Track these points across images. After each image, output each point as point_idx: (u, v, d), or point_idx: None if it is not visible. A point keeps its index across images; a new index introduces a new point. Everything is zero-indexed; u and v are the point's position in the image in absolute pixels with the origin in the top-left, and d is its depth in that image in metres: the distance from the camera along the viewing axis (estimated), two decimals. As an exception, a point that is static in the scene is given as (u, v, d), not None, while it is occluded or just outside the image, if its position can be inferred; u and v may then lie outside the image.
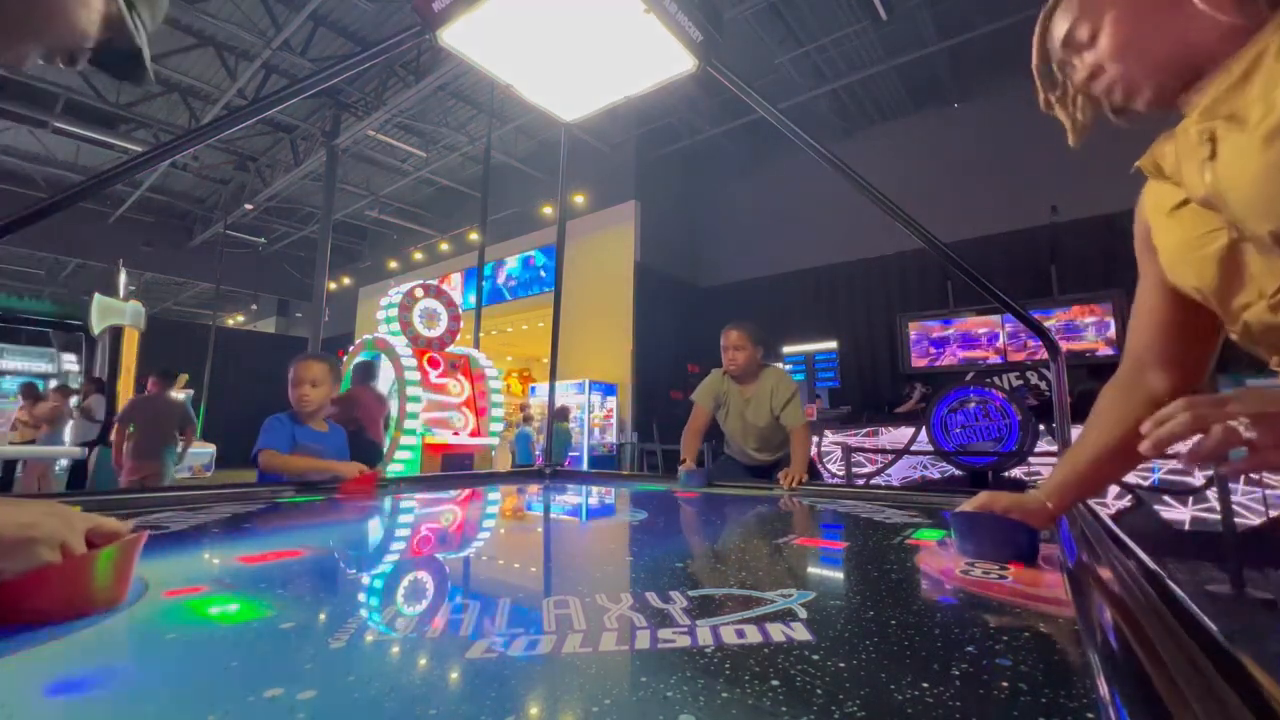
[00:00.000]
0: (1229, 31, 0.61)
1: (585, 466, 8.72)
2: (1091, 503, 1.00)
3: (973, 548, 0.85)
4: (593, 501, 1.73)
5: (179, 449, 4.66)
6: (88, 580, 0.55)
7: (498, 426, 5.37)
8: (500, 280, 11.45)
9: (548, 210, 10.18)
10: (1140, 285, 0.82)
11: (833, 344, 8.37)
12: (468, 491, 1.87)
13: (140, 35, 0.71)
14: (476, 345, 6.93)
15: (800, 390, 2.54)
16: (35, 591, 0.51)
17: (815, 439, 5.39)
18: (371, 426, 4.30)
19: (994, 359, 6.81)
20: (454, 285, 12.04)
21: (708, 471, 2.12)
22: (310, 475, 1.79)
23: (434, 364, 5.06)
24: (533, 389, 11.30)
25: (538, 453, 7.56)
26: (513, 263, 11.36)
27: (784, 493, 1.83)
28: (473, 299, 8.18)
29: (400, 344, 4.87)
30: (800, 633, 0.51)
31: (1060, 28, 0.72)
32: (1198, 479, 4.07)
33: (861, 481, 5.12)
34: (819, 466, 5.29)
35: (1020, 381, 6.46)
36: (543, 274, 10.75)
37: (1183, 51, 0.64)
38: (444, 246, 12.80)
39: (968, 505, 0.87)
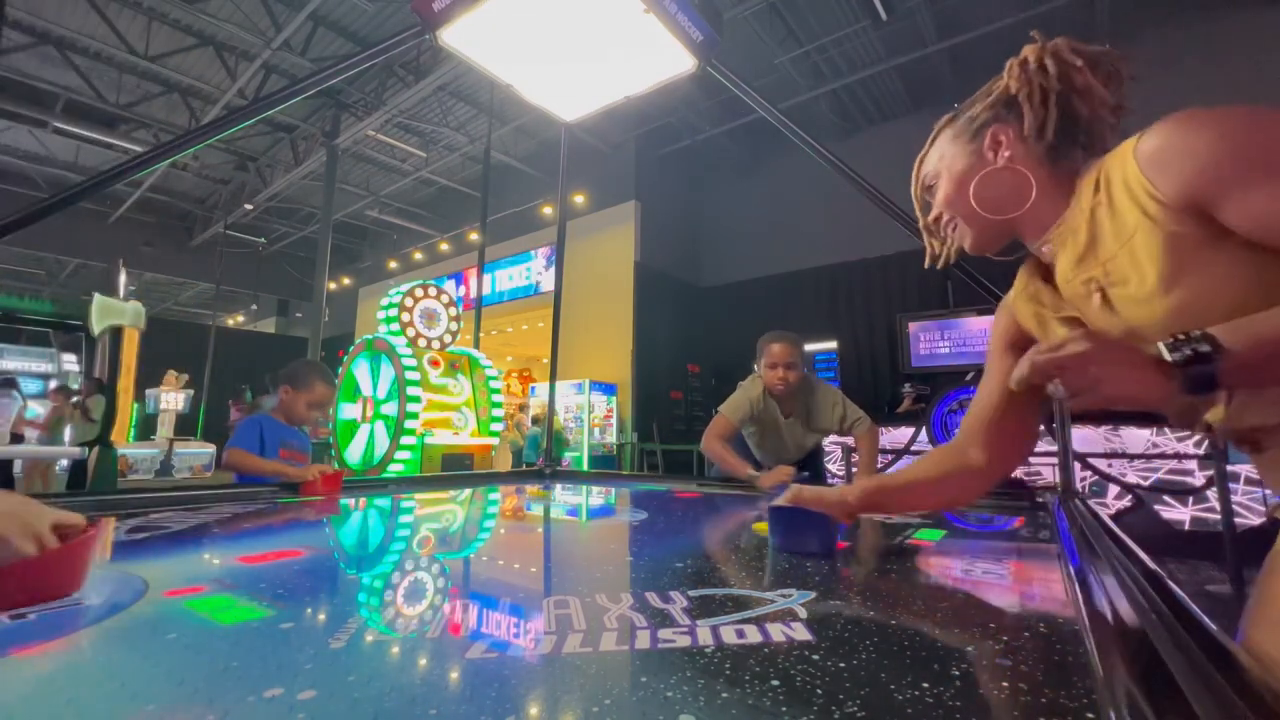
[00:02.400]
0: (1040, 191, 0.74)
1: (586, 467, 8.71)
2: (1092, 503, 1.00)
3: (780, 540, 0.90)
4: (593, 501, 1.73)
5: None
6: (54, 572, 0.58)
7: (498, 426, 5.36)
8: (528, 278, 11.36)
9: (548, 210, 10.18)
10: (990, 375, 0.92)
11: (833, 344, 8.37)
12: (468, 491, 1.87)
13: None
14: (476, 345, 6.93)
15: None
16: (8, 581, 0.54)
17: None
18: None
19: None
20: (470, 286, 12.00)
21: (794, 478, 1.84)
22: (275, 477, 1.77)
23: (434, 364, 5.06)
24: (533, 389, 11.29)
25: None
26: (520, 271, 11.36)
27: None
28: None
29: (400, 344, 4.87)
30: (800, 633, 0.51)
31: (921, 170, 0.87)
32: (1198, 479, 4.07)
33: (861, 481, 5.11)
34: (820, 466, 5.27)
35: (1020, 381, 6.46)
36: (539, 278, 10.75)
37: (992, 214, 0.77)
38: (444, 246, 12.80)
39: (781, 499, 0.92)
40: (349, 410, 5.18)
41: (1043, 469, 4.37)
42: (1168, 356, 0.58)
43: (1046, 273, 0.81)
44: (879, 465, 5.32)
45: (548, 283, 10.57)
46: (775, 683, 0.41)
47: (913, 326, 7.28)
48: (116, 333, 6.31)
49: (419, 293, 5.13)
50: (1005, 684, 0.41)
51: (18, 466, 6.09)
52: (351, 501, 1.56)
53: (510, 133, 10.06)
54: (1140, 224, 0.64)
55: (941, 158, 0.82)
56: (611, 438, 9.19)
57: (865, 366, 8.33)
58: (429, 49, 6.67)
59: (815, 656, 0.46)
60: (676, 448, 8.71)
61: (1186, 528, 4.08)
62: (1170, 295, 0.64)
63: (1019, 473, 4.08)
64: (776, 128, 1.60)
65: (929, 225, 0.87)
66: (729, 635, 0.50)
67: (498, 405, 5.39)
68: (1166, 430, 4.27)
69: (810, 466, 2.40)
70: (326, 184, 9.78)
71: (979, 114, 0.78)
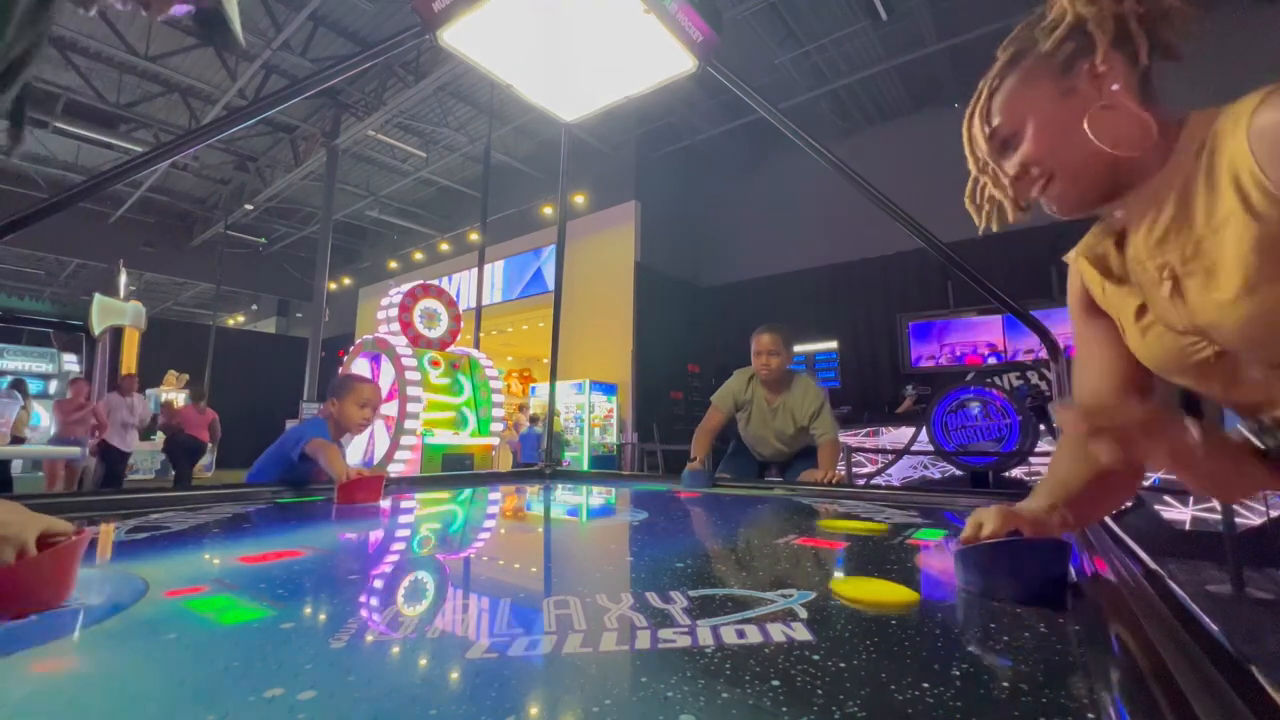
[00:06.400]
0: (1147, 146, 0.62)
1: (586, 466, 8.71)
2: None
3: (1008, 586, 0.62)
4: (593, 501, 1.73)
5: None
6: (38, 581, 0.56)
7: (498, 426, 5.37)
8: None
9: (548, 210, 10.18)
10: (1084, 343, 0.81)
11: (833, 344, 8.37)
12: (468, 491, 1.87)
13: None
14: (476, 345, 6.93)
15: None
16: None
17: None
18: (192, 429, 6.64)
19: (994, 359, 6.81)
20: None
21: (711, 472, 2.11)
22: (326, 475, 1.68)
23: (434, 364, 5.06)
24: (533, 389, 11.29)
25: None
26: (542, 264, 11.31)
27: (794, 488, 1.84)
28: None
29: (400, 344, 4.87)
30: (800, 633, 0.51)
31: (983, 128, 0.72)
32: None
33: (861, 481, 5.12)
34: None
35: (1020, 381, 6.46)
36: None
37: (1100, 164, 0.64)
38: (444, 246, 12.80)
39: (985, 533, 0.66)
40: (349, 410, 5.16)
41: (1043, 469, 4.36)
42: (1256, 444, 0.51)
43: (1121, 237, 0.70)
44: (877, 465, 5.31)
45: (549, 280, 10.55)
46: (775, 683, 0.41)
47: (912, 326, 7.28)
48: (117, 333, 6.32)
49: (419, 292, 5.14)
50: (1005, 684, 0.41)
51: (17, 468, 6.08)
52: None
53: (510, 133, 10.06)
54: (1235, 211, 0.54)
55: (1017, 104, 0.68)
56: (612, 438, 9.19)
57: (865, 366, 8.33)
58: (429, 49, 6.66)
59: (815, 656, 0.46)
60: (677, 448, 8.70)
61: (1186, 528, 4.08)
62: (1250, 300, 0.54)
63: (1016, 473, 4.05)
64: (776, 128, 1.60)
65: (1004, 183, 0.73)
66: (729, 635, 0.50)
67: (498, 405, 5.39)
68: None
69: (806, 466, 2.41)
70: (326, 184, 9.78)
71: (1056, 47, 0.64)
